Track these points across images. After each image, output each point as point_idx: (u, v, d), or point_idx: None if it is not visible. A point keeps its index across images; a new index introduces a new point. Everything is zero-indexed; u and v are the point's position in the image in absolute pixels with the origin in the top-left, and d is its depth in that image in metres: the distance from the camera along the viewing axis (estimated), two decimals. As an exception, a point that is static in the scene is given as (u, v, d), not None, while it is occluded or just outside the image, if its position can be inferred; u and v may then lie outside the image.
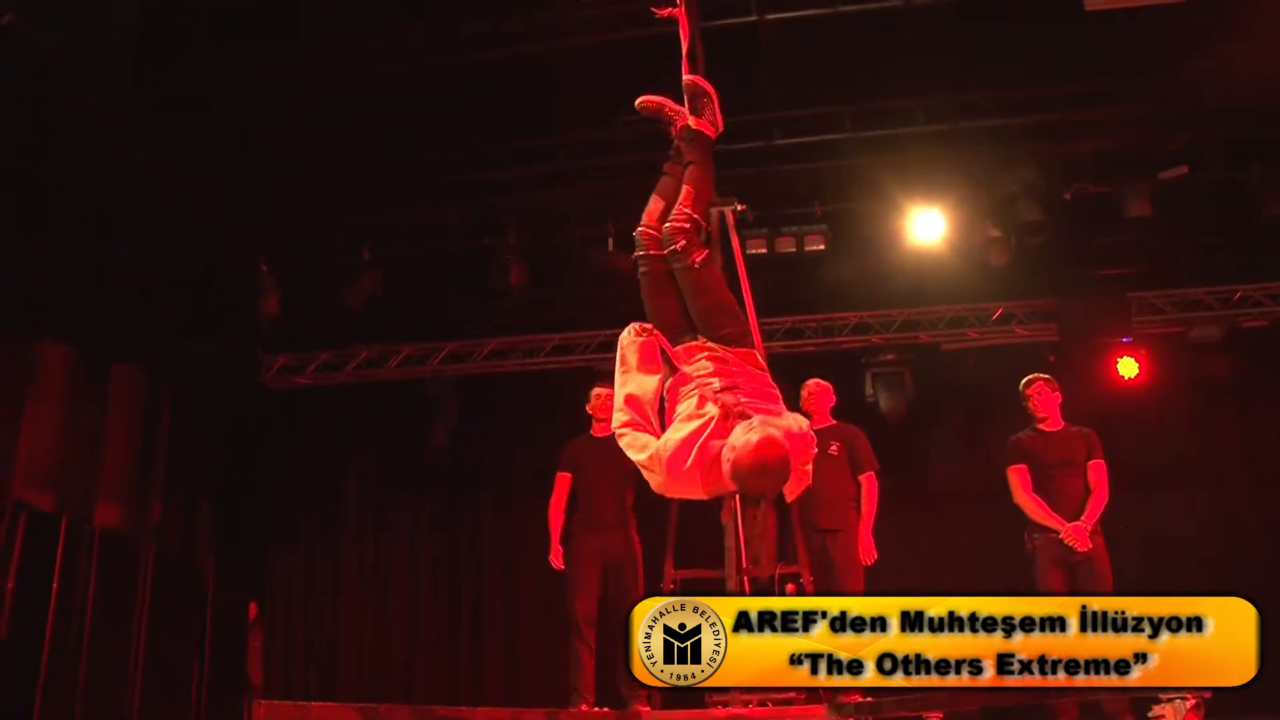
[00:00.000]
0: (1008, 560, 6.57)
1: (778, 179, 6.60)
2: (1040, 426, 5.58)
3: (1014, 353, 7.26)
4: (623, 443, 3.12)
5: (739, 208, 5.56)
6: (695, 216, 3.23)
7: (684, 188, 3.28)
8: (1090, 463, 5.45)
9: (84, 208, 6.00)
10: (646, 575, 5.72)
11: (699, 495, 3.04)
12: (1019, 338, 7.36)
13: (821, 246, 6.77)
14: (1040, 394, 5.57)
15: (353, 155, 6.48)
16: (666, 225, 3.23)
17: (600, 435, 5.98)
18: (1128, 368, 7.11)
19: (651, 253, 3.26)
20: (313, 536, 8.15)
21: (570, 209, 7.06)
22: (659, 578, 5.34)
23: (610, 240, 6.89)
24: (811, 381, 5.97)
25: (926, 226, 6.81)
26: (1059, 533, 5.31)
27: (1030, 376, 5.66)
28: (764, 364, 3.11)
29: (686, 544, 5.18)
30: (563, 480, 5.93)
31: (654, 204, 3.35)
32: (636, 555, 5.75)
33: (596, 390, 6.04)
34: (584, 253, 7.04)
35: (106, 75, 5.34)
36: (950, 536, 7.23)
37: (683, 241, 3.17)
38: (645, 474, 3.07)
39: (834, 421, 5.95)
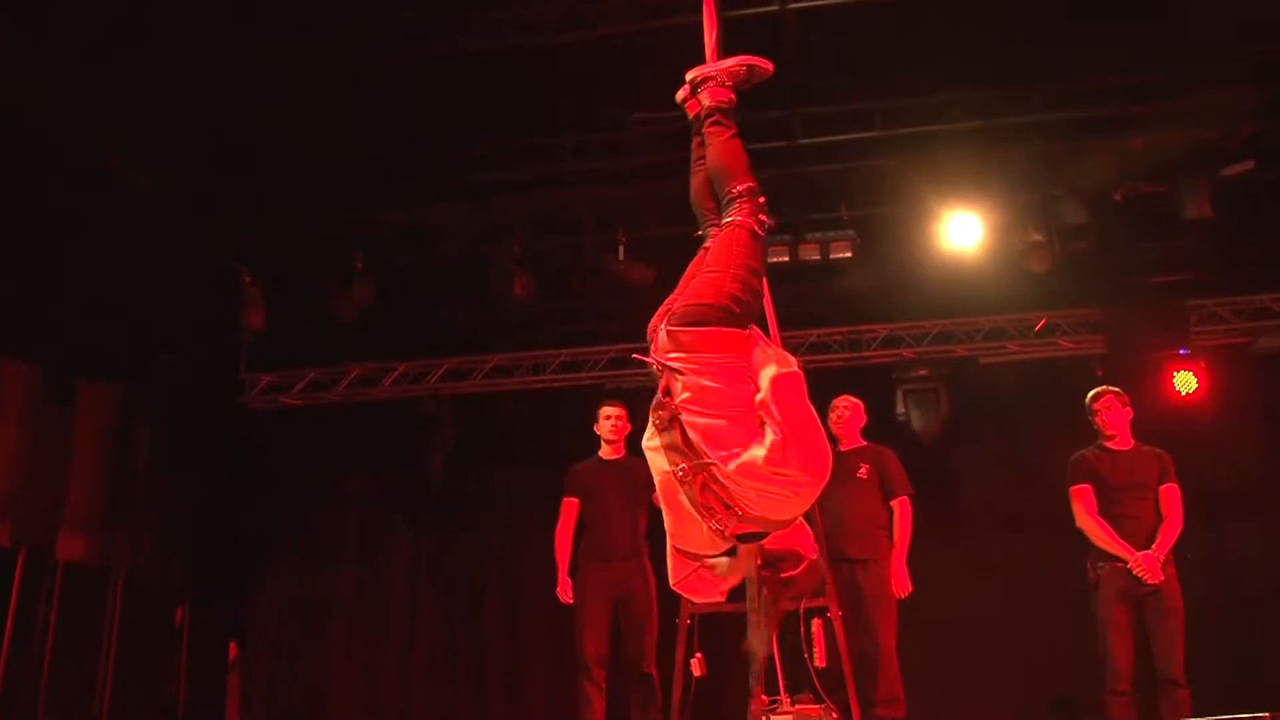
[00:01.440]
0: (1059, 592, 6.57)
1: (801, 181, 6.60)
2: (1108, 444, 5.48)
3: (1058, 367, 7.30)
4: None
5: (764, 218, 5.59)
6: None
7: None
8: (1163, 486, 5.35)
9: (48, 211, 6.02)
10: (661, 609, 5.73)
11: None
12: (1064, 351, 7.38)
13: (849, 254, 6.75)
14: (1110, 408, 5.47)
15: (343, 155, 6.51)
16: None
17: (610, 458, 6.00)
18: (1185, 382, 7.09)
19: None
20: (300, 569, 8.21)
21: (579, 214, 7.08)
22: (674, 612, 5.35)
23: (621, 248, 6.91)
24: (840, 400, 5.99)
25: (962, 231, 6.81)
26: (1127, 562, 5.21)
27: (1098, 389, 5.58)
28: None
29: (704, 575, 5.18)
30: (570, 507, 5.94)
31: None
32: (650, 588, 5.75)
33: (606, 410, 6.06)
34: (594, 261, 7.07)
35: (72, 68, 5.36)
36: (992, 566, 7.24)
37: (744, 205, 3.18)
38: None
39: (864, 443, 5.96)
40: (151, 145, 6.03)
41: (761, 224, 3.18)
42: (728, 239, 3.13)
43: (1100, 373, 7.00)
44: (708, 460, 2.80)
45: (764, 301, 3.81)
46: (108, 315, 6.93)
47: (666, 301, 3.18)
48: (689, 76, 3.43)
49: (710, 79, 3.38)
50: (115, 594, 6.97)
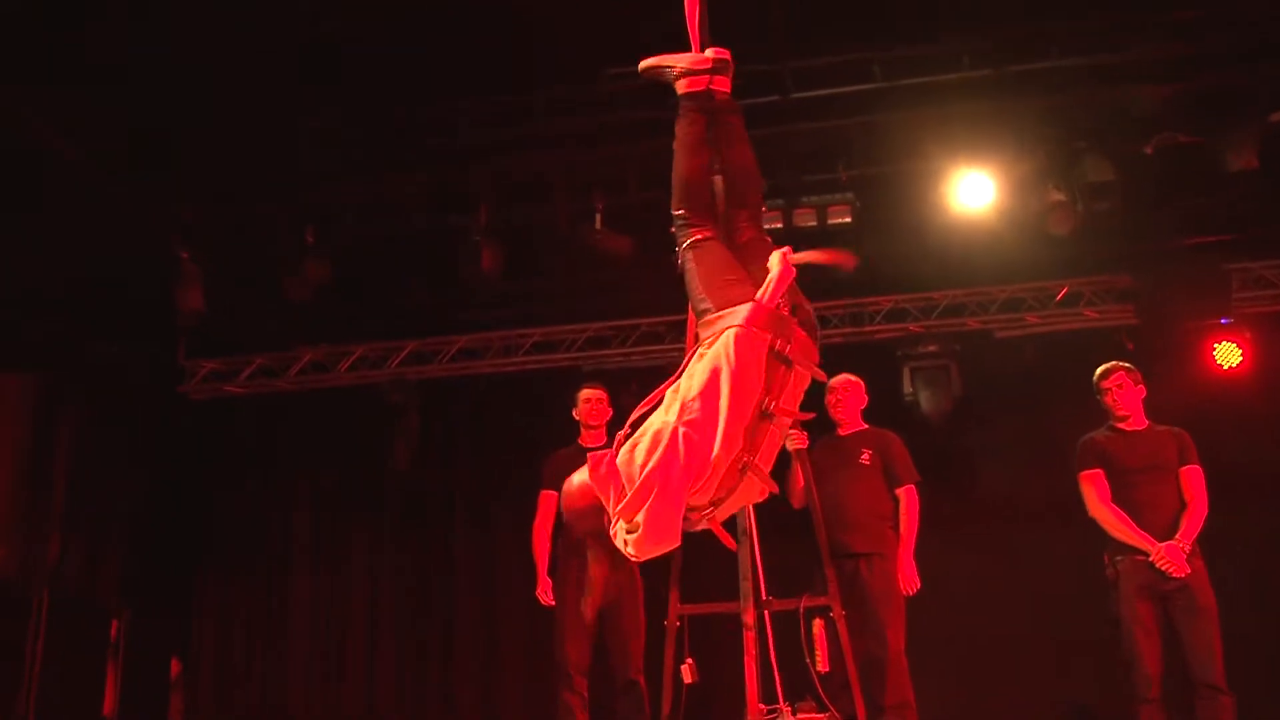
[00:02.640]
0: (1079, 588, 6.62)
1: (794, 140, 6.63)
2: (1119, 425, 5.52)
3: (1083, 340, 7.32)
4: None
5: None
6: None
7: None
8: (1184, 469, 5.36)
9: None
10: (648, 611, 5.80)
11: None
12: (1089, 322, 7.43)
13: (848, 219, 6.79)
14: (1121, 386, 5.50)
15: (291, 118, 6.50)
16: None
17: (592, 445, 6.04)
18: (1228, 355, 7.08)
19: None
20: (250, 577, 8.25)
21: (552, 180, 7.10)
22: (662, 613, 5.39)
23: (598, 216, 6.94)
24: (838, 379, 6.02)
25: (974, 192, 6.83)
26: (1149, 554, 5.22)
27: (1108, 366, 5.60)
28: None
29: (695, 572, 5.24)
30: (548, 500, 5.98)
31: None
32: (637, 588, 5.83)
33: (586, 392, 6.11)
34: (569, 232, 7.09)
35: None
36: (1007, 560, 7.26)
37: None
38: None
39: (866, 426, 6.01)
40: (77, 109, 6.01)
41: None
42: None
43: (1131, 346, 7.04)
44: None
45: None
46: (23, 296, 6.87)
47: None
48: (712, 53, 3.51)
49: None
50: (39, 609, 6.95)
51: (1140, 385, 5.54)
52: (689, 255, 3.38)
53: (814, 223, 6.78)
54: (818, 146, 6.78)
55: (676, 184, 3.47)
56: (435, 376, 7.99)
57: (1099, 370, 5.63)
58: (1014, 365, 7.57)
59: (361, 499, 8.20)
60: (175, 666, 8.12)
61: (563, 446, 6.16)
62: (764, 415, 3.06)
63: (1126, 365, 5.60)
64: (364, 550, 8.20)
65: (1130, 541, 5.30)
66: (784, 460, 5.11)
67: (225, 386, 8.15)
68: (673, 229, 3.50)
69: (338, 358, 8.06)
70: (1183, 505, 5.33)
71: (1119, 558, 5.36)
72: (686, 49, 3.61)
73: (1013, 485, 7.44)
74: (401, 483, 8.08)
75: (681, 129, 3.49)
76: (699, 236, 3.39)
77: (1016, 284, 7.46)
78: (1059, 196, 6.70)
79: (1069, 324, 7.46)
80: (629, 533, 3.00)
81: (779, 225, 6.71)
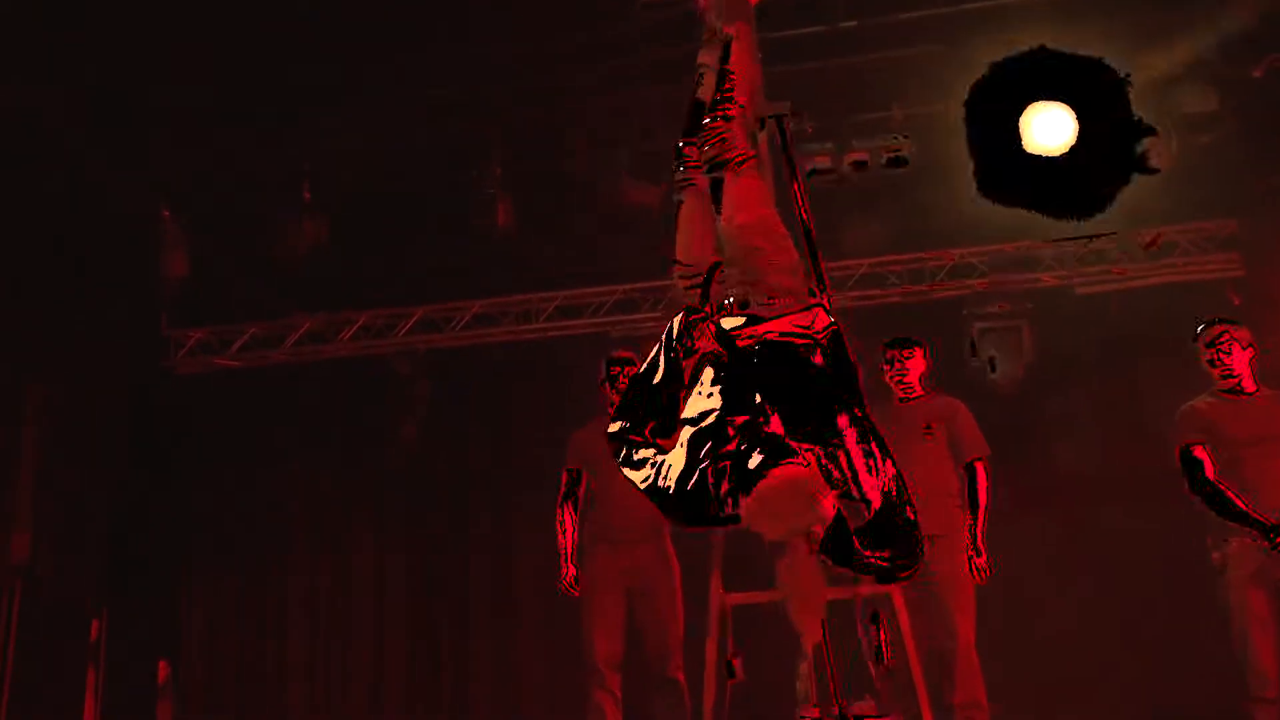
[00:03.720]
0: (1175, 575, 6.65)
1: (844, 74, 6.64)
2: (1225, 391, 5.45)
3: (1178, 295, 7.27)
4: None
5: (792, 114, 5.61)
6: (741, 105, 3.41)
7: (724, 73, 3.44)
8: None
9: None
10: (686, 600, 5.89)
11: None
12: (1186, 274, 7.38)
13: (905, 163, 6.81)
14: (1226, 346, 5.42)
15: (283, 62, 6.54)
16: (704, 121, 3.40)
17: (620, 420, 6.15)
18: (1349, 308, 7.04)
19: (692, 167, 3.46)
20: (244, 570, 8.40)
21: (572, 127, 7.13)
22: (703, 604, 5.46)
23: (626, 167, 6.99)
24: (898, 342, 6.01)
25: (1049, 128, 6.77)
26: (1262, 536, 5.11)
27: (1210, 323, 5.51)
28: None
29: (738, 558, 5.31)
30: (573, 480, 6.08)
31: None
32: (673, 575, 5.91)
33: (614, 361, 6.19)
34: (592, 184, 7.13)
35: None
36: (1091, 544, 7.33)
37: (722, 141, 3.36)
38: None
39: (929, 394, 6.02)
40: (45, 52, 6.07)
41: None
42: None
43: (1237, 301, 7.01)
44: None
45: (805, 226, 3.94)
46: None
47: None
48: None
49: None
50: (9, 611, 7.01)
51: (1251, 345, 5.45)
52: None
53: (866, 167, 6.81)
54: (870, 81, 6.78)
55: None
56: (446, 346, 8.07)
57: (1199, 328, 5.54)
58: (1097, 325, 7.59)
59: (366, 483, 8.33)
60: (162, 670, 8.20)
61: (588, 422, 6.23)
62: None
63: (1232, 321, 5.52)
64: (369, 539, 8.33)
65: (1240, 522, 5.19)
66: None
67: (214, 359, 8.24)
68: None
69: (338, 326, 8.14)
70: None
71: (1227, 541, 5.27)
72: None
73: (1096, 460, 7.47)
74: (410, 464, 8.18)
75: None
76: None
77: (1099, 234, 7.42)
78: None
79: (1162, 277, 7.42)
80: None
81: (827, 170, 6.73)
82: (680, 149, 3.54)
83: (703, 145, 3.42)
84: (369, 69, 6.67)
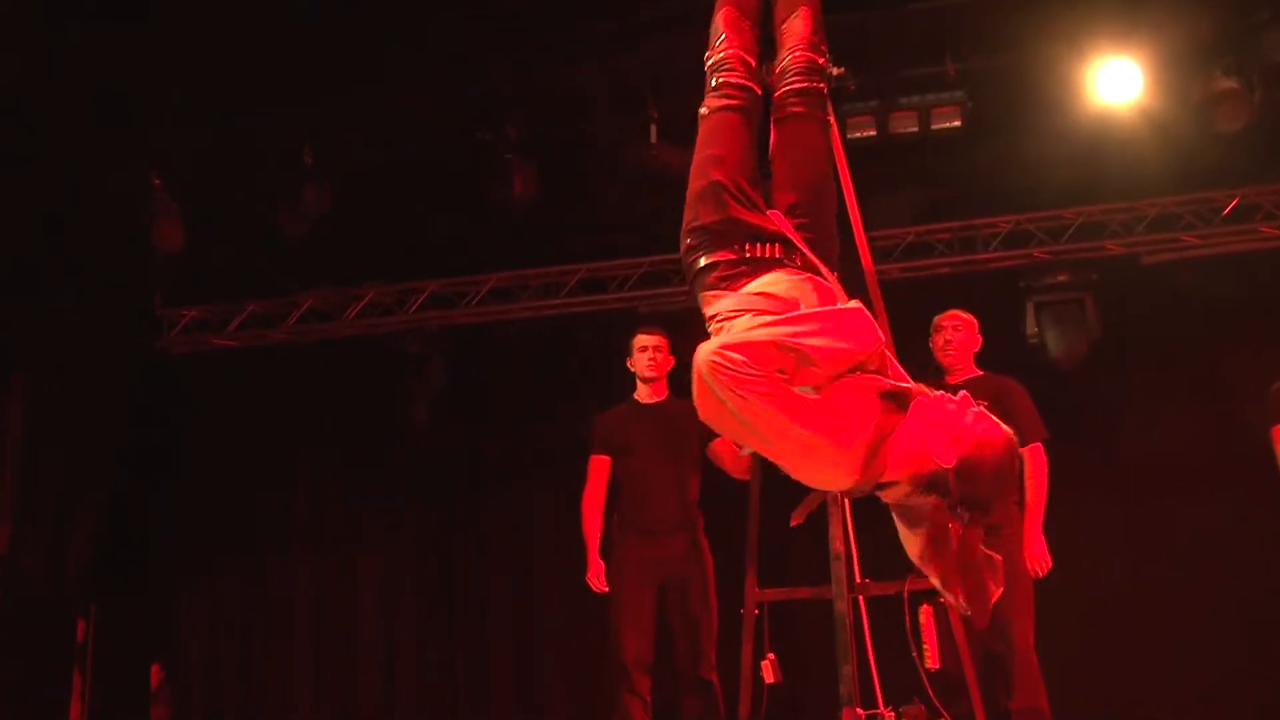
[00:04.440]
0: (1257, 569, 6.69)
1: (891, 25, 6.63)
2: None
3: (1259, 264, 7.28)
4: None
5: (834, 71, 5.60)
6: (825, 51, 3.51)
7: (801, 10, 3.53)
8: None
9: None
10: (720, 596, 5.97)
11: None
12: (1267, 241, 7.33)
13: (958, 123, 6.80)
14: None
15: (284, 20, 6.55)
16: (795, 55, 3.49)
17: (650, 401, 6.23)
18: None
19: (742, 84, 3.47)
20: (244, 566, 8.50)
21: (595, 88, 7.15)
22: (738, 600, 5.51)
23: (654, 128, 7.01)
24: (947, 316, 6.07)
25: (1117, 82, 6.79)
26: None
27: None
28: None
29: (773, 550, 5.35)
30: (599, 466, 6.18)
31: (735, 20, 3.59)
32: (707, 570, 6.00)
33: (642, 339, 6.27)
34: (616, 149, 7.18)
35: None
36: (1161, 536, 7.33)
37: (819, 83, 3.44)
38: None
39: (980, 372, 6.06)
40: (26, 13, 6.09)
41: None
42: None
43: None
44: None
45: (845, 192, 3.99)
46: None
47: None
48: None
49: None
50: None
51: None
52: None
53: (915, 128, 6.79)
54: (921, 32, 6.75)
55: None
56: (461, 323, 8.13)
57: None
58: (1167, 297, 7.56)
59: (375, 471, 8.38)
60: (155, 674, 8.28)
61: (616, 404, 6.33)
62: None
63: None
64: (379, 531, 8.41)
65: None
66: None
67: (211, 339, 8.31)
68: None
69: (344, 303, 8.21)
70: None
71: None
72: None
73: (1165, 444, 7.43)
74: (423, 450, 8.25)
75: None
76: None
77: (1171, 196, 7.40)
78: (1229, 83, 6.59)
79: (1240, 244, 7.37)
80: None
81: (871, 132, 6.74)
82: (726, 57, 3.54)
83: (791, 72, 3.48)
84: (374, 24, 6.65)
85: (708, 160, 3.33)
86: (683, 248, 3.35)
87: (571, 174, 7.42)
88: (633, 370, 6.28)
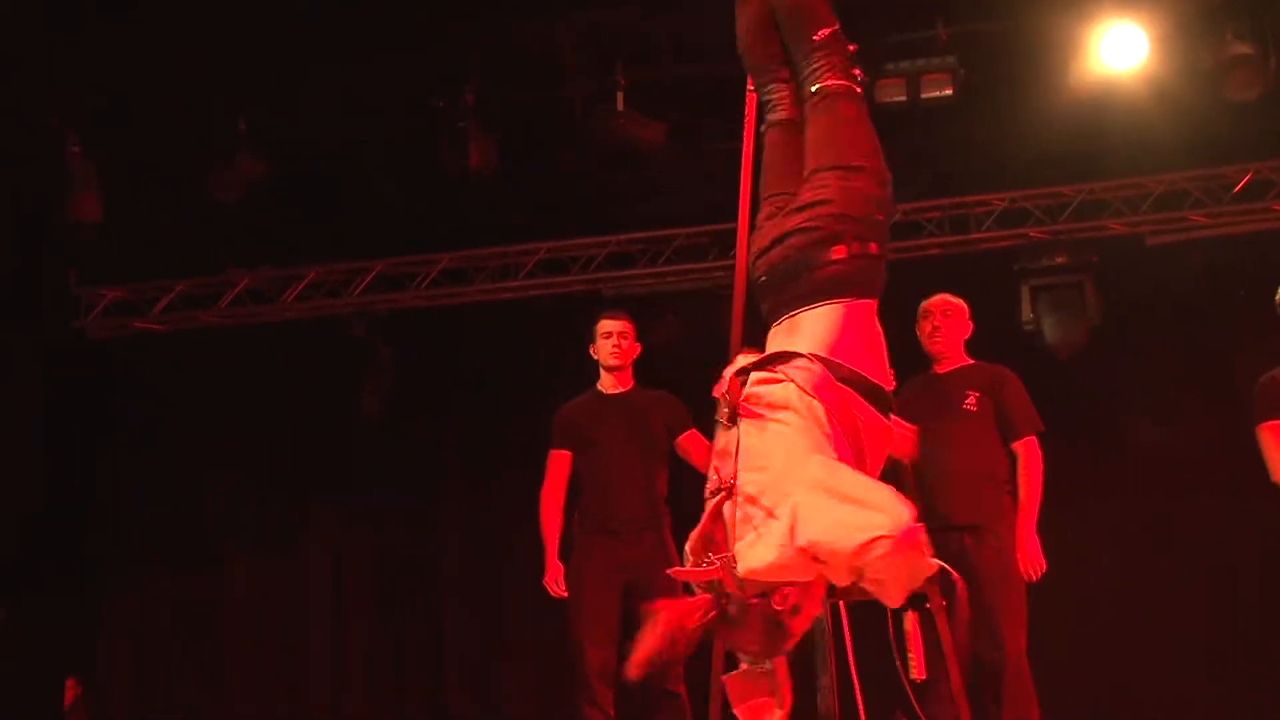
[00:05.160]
0: (1259, 573, 6.81)
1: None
2: None
3: (1272, 245, 7.31)
4: None
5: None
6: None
7: None
8: None
9: None
10: (688, 602, 6.04)
11: None
12: (1280, 221, 7.40)
13: (948, 91, 6.83)
14: None
15: None
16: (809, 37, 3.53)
17: (614, 391, 6.28)
18: None
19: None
20: (174, 565, 8.49)
21: (560, 49, 7.17)
22: (706, 606, 5.57)
23: (620, 95, 7.04)
24: (935, 300, 6.10)
25: (1120, 48, 6.82)
26: None
27: None
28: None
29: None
30: (559, 461, 6.23)
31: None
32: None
33: (606, 324, 6.29)
34: (583, 116, 7.20)
35: None
36: (1160, 536, 7.43)
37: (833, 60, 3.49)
38: None
39: (971, 361, 6.11)
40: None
41: (857, 80, 3.51)
42: (835, 119, 3.44)
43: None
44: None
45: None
46: None
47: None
48: None
49: None
50: None
51: None
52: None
53: (903, 97, 6.81)
54: (908, -4, 6.83)
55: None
56: (412, 306, 8.19)
57: None
58: (1173, 281, 7.63)
59: (320, 464, 8.45)
60: (72, 688, 8.18)
61: (578, 395, 6.37)
62: None
63: None
64: (324, 528, 8.47)
65: None
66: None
67: (135, 321, 8.35)
68: None
69: (283, 283, 8.25)
70: None
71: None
72: None
73: (1168, 439, 7.51)
74: (371, 443, 8.31)
75: None
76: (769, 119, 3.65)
77: (1178, 171, 7.47)
78: (1242, 48, 6.59)
79: (1252, 224, 7.44)
80: None
81: None
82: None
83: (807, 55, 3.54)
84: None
85: None
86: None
87: (532, 145, 7.44)
88: (595, 358, 6.30)
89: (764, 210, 3.56)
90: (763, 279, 3.41)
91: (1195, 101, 6.91)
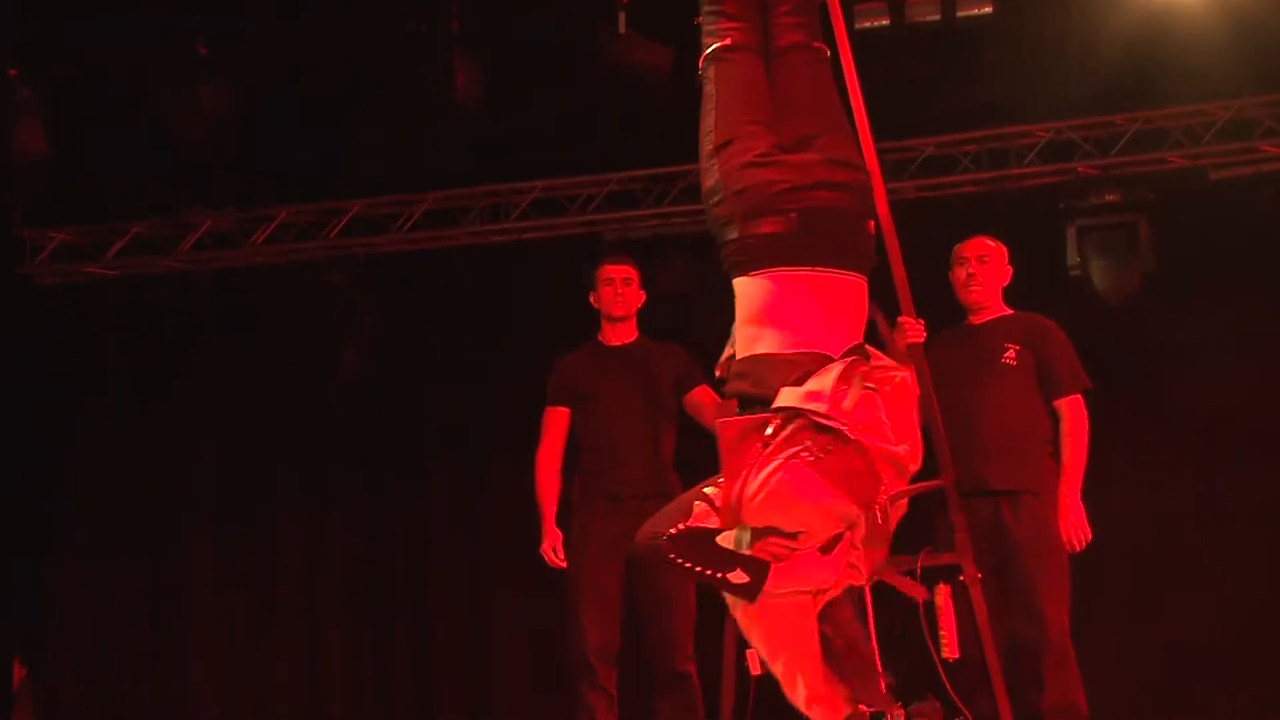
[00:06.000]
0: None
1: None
2: None
3: None
4: None
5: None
6: None
7: None
8: None
9: None
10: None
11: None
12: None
13: (989, 9, 6.81)
14: None
15: None
16: None
17: (617, 344, 6.36)
18: None
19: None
20: (130, 544, 8.57)
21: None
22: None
23: (622, 16, 7.05)
24: (972, 244, 6.11)
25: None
26: None
27: None
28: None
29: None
30: (557, 419, 6.30)
31: None
32: (681, 544, 6.15)
33: (607, 269, 6.36)
34: (577, 41, 7.21)
35: None
36: (1219, 503, 7.45)
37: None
38: None
39: (1011, 311, 6.15)
40: None
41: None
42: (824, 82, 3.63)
43: None
44: None
45: (851, 96, 4.14)
46: None
47: None
48: None
49: None
50: None
51: None
52: (707, 74, 3.70)
53: (937, 15, 6.79)
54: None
55: None
56: (393, 250, 8.23)
57: None
58: (1239, 221, 7.58)
59: (292, 426, 8.51)
60: (19, 673, 8.33)
61: (576, 347, 6.43)
62: None
63: None
64: (297, 497, 8.53)
65: None
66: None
67: (85, 267, 8.39)
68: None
69: (250, 226, 8.27)
70: None
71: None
72: None
73: (1231, 397, 7.45)
74: (349, 402, 8.37)
75: None
76: (722, 43, 3.68)
77: (1246, 97, 7.41)
78: None
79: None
80: None
81: (885, 21, 6.76)
82: None
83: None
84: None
85: None
86: None
87: (523, 73, 7.45)
88: (596, 307, 6.36)
89: (753, 130, 3.59)
90: (792, 214, 3.47)
91: (1266, 18, 6.89)
